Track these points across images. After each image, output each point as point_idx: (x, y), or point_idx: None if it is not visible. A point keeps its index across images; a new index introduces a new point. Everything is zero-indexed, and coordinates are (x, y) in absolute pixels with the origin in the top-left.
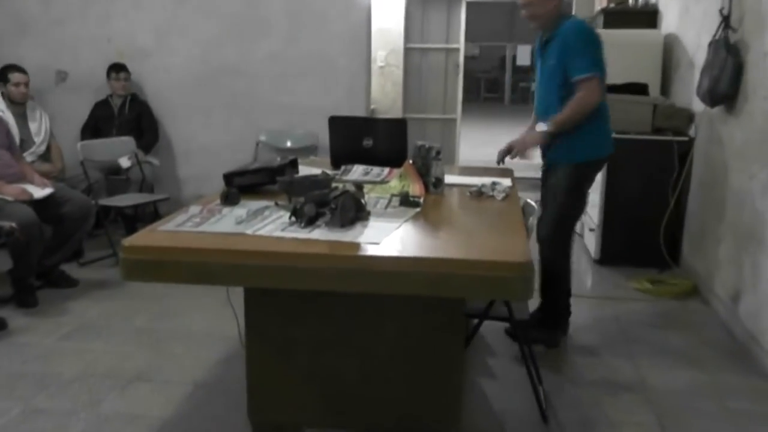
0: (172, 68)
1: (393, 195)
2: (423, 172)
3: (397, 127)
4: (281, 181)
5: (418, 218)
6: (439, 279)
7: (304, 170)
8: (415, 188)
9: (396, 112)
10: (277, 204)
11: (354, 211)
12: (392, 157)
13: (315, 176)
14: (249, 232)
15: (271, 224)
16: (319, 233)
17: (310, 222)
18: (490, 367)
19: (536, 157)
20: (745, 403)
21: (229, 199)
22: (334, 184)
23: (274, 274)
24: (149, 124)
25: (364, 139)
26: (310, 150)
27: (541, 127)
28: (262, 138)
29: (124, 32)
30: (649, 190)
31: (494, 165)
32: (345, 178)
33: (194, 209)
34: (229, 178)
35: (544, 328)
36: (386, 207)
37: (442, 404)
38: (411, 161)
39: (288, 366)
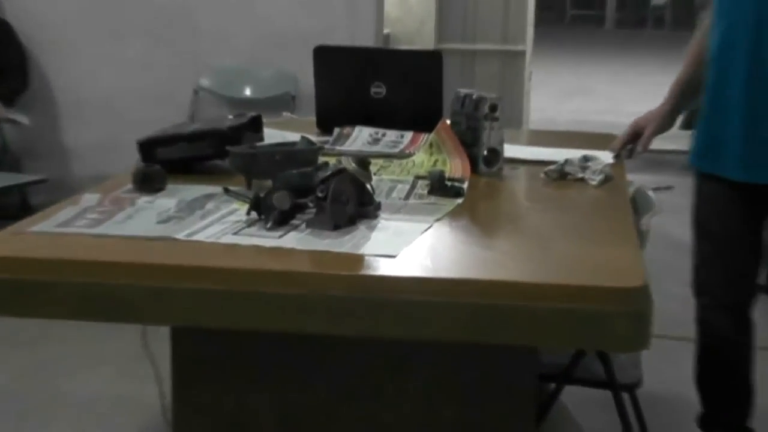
0: None
1: (418, 177)
2: (468, 140)
3: (427, 65)
4: (235, 153)
5: (459, 216)
6: (494, 316)
7: (273, 136)
8: (456, 166)
9: (425, 41)
10: (227, 191)
11: (354, 204)
12: (418, 115)
13: (290, 146)
14: (180, 236)
15: (217, 224)
16: (297, 238)
17: (282, 220)
18: None
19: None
20: None
21: (148, 182)
22: (321, 159)
23: (220, 307)
24: (12, 59)
25: (373, 85)
26: (282, 103)
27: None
28: (204, 83)
29: None
30: None
31: (586, 130)
32: (340, 148)
33: (90, 199)
34: (148, 148)
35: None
36: (407, 197)
37: None
38: (449, 122)
39: None
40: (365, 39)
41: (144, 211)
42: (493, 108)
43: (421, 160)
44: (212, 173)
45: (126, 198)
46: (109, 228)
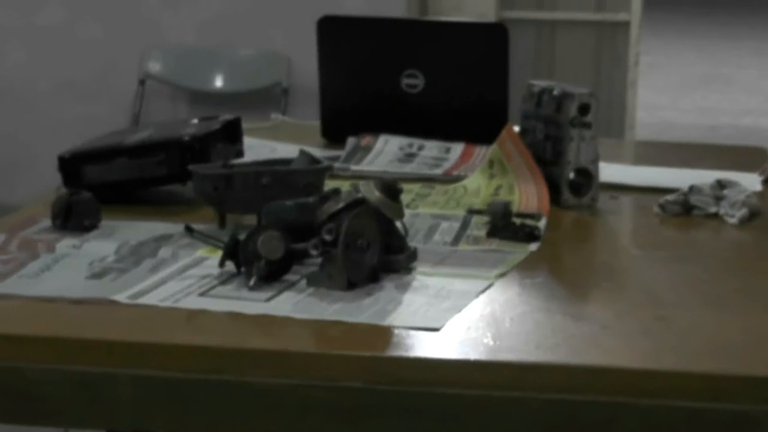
0: None
1: (472, 211)
2: (547, 156)
3: (485, 44)
4: (201, 174)
5: (533, 269)
6: (587, 418)
7: (257, 149)
8: (528, 194)
9: (480, 8)
10: (190, 231)
11: (377, 251)
12: (471, 118)
13: (283, 164)
14: (122, 297)
15: (175, 280)
16: (293, 302)
17: (272, 275)
18: None
19: None
20: None
21: (74, 216)
22: (329, 185)
23: (179, 404)
24: None
25: (405, 73)
26: (269, 99)
27: None
28: (154, 69)
29: None
30: None
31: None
32: (357, 167)
33: None
34: (73, 166)
35: None
36: (456, 240)
37: None
38: (517, 129)
39: None
40: (392, 6)
41: (68, 260)
42: (584, 109)
43: (477, 186)
44: (167, 204)
45: (41, 240)
46: (15, 286)
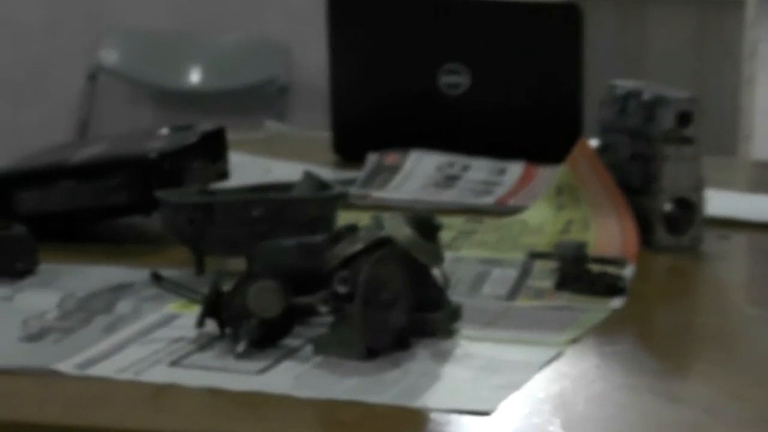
0: None
1: (535, 254)
2: (634, 182)
3: (552, 30)
4: (172, 204)
5: (616, 333)
6: None
7: (248, 169)
8: (608, 232)
9: None
10: (157, 279)
11: (406, 307)
12: (533, 129)
13: (281, 190)
14: (67, 367)
15: (137, 344)
16: (294, 376)
17: (266, 339)
18: None
19: None
20: None
21: (4, 256)
22: (342, 217)
23: None
24: None
25: (444, 69)
26: (262, 100)
27: None
28: (108, 59)
29: None
30: None
31: None
32: (380, 194)
33: None
34: (1, 190)
35: None
36: (513, 294)
37: None
38: (595, 143)
39: None
40: None
41: None
42: (684, 119)
43: (540, 221)
44: (127, 242)
45: None
46: None
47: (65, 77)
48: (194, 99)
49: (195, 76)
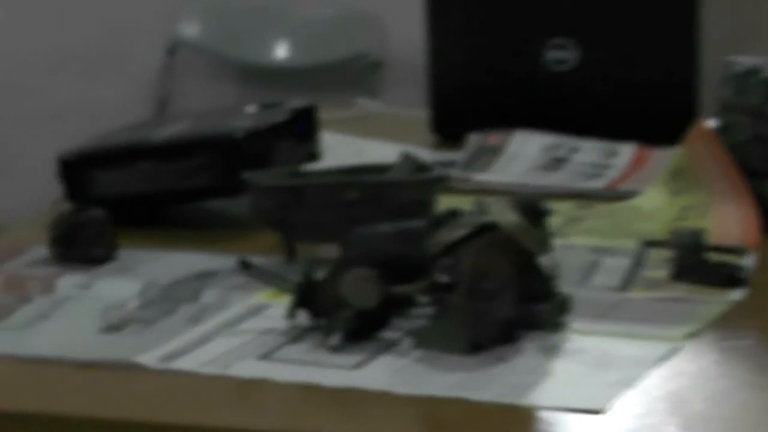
0: None
1: (649, 243)
2: (756, 165)
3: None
4: (261, 187)
5: (739, 327)
6: None
7: (340, 148)
8: (727, 219)
9: None
10: (245, 267)
11: (512, 298)
12: (645, 109)
13: (377, 172)
14: (149, 360)
15: (223, 336)
16: (392, 371)
17: (362, 331)
18: None
19: None
20: None
21: (80, 243)
22: (443, 202)
23: None
24: None
25: (550, 42)
26: (352, 77)
27: None
28: (188, 32)
29: None
30: None
31: None
32: (482, 177)
33: None
34: (78, 171)
35: None
36: (626, 284)
37: None
38: (713, 124)
39: None
40: None
41: (72, 305)
42: None
43: (655, 207)
44: (211, 227)
45: (33, 277)
46: None
47: (142, 51)
48: (280, 75)
49: (281, 50)
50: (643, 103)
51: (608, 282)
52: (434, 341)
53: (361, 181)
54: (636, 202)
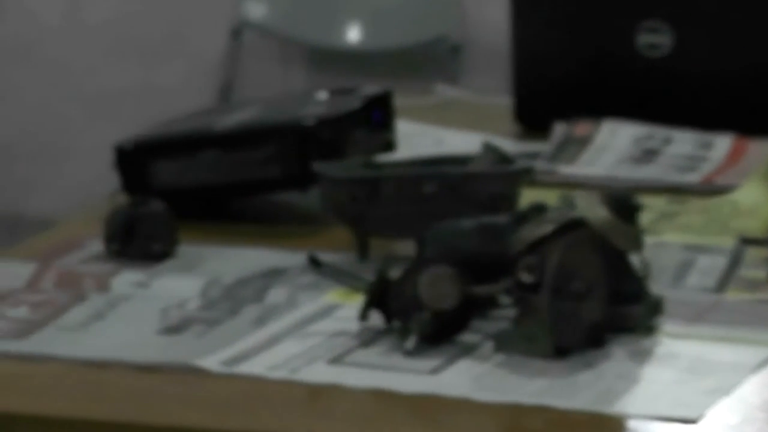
0: None
1: (747, 240)
2: None
3: None
4: (333, 179)
5: None
6: None
7: (416, 138)
8: None
9: None
10: (314, 264)
11: (600, 299)
12: (744, 98)
13: (457, 164)
14: (212, 363)
15: (292, 338)
16: (473, 376)
17: (440, 334)
18: None
19: None
20: None
21: (140, 237)
22: (527, 196)
23: None
24: None
25: (642, 26)
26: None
27: None
28: (254, 13)
29: None
30: None
31: None
32: (569, 170)
33: (11, 275)
34: (137, 161)
35: None
36: (722, 285)
37: None
38: None
39: None
40: None
41: (129, 305)
42: None
43: (754, 202)
44: (279, 222)
45: (88, 274)
46: (51, 341)
47: (206, 34)
48: (353, 59)
49: (354, 33)
50: (741, 91)
51: (703, 282)
52: (517, 345)
53: (440, 173)
54: (733, 196)
